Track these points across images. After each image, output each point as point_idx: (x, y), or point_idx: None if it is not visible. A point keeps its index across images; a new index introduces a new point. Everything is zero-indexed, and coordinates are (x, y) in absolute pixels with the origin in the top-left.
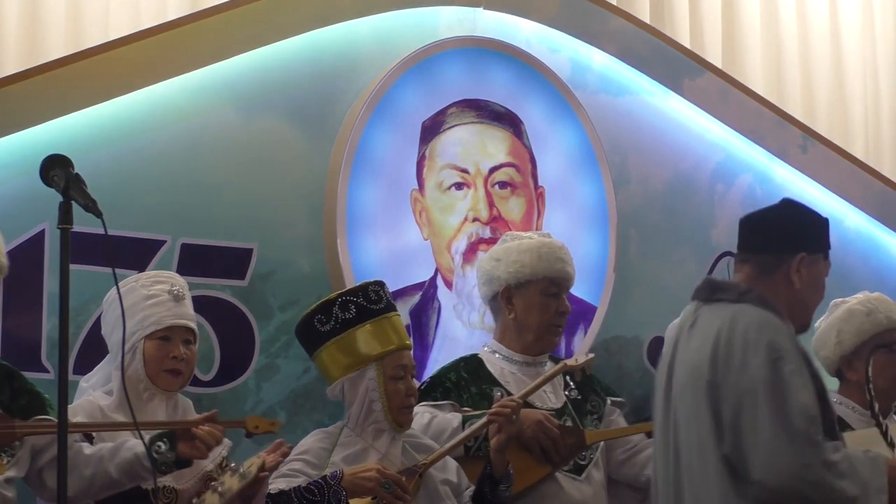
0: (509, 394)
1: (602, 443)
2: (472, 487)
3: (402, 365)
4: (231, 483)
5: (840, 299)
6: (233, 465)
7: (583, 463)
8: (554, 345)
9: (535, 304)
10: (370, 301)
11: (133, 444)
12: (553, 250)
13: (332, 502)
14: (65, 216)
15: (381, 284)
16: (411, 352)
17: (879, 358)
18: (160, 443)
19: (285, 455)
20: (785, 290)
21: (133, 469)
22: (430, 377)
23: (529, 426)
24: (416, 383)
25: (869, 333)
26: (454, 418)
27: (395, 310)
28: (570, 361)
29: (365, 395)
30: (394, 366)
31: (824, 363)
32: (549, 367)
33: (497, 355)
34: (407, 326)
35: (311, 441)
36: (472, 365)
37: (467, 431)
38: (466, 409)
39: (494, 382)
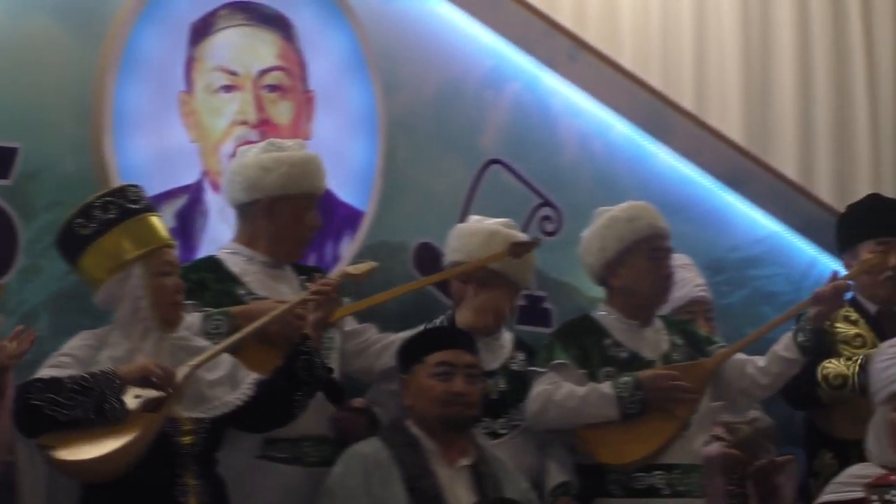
0: (251, 293)
1: None
2: (253, 375)
3: (167, 261)
4: None
5: (604, 208)
6: None
7: None
8: (302, 256)
9: (298, 218)
10: (130, 201)
11: None
12: (319, 166)
13: (106, 389)
14: None
15: (137, 187)
16: (175, 250)
17: (642, 264)
18: None
19: (32, 342)
20: None
21: None
22: None
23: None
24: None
25: (630, 239)
26: (195, 318)
27: (154, 210)
28: (350, 269)
29: (132, 294)
30: (158, 262)
31: (589, 270)
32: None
33: (239, 256)
34: (173, 229)
35: (77, 341)
36: (211, 264)
37: (256, 324)
38: (207, 308)
39: (236, 281)
